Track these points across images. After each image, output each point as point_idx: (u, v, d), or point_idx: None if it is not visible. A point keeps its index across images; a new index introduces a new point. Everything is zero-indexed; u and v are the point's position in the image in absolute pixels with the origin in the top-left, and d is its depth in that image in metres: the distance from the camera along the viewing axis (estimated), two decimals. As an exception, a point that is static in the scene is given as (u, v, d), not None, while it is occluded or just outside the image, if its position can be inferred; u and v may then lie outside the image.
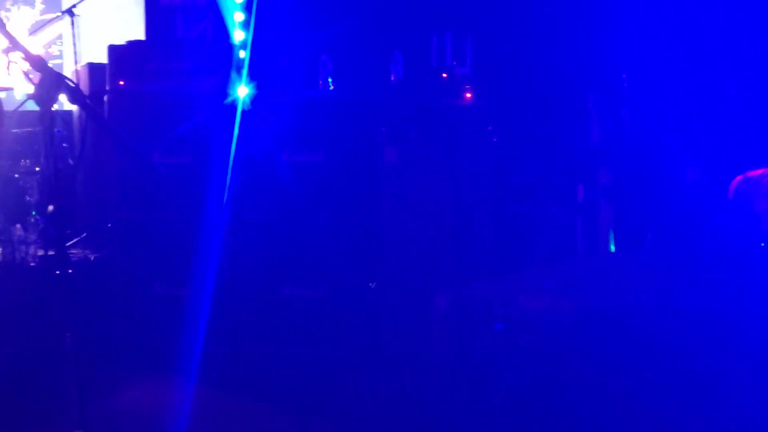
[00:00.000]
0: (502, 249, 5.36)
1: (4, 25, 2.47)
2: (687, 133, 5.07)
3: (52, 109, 2.61)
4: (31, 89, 5.41)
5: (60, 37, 6.77)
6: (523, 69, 5.97)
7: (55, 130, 2.52)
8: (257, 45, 5.96)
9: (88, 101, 2.57)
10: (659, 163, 4.80)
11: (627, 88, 4.25)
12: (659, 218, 4.43)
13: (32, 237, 5.47)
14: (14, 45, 2.46)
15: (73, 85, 2.51)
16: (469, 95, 5.43)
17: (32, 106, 5.50)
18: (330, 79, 5.79)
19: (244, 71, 5.81)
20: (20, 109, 5.66)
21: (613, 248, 4.21)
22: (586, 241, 5.30)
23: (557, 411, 1.68)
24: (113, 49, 5.62)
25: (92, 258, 5.61)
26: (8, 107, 5.76)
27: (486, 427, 1.92)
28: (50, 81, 2.44)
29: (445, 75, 5.59)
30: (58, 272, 2.57)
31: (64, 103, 6.27)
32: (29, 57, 2.45)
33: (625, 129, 4.31)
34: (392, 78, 5.64)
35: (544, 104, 5.89)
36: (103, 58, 5.78)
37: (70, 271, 2.59)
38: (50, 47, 6.88)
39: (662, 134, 5.34)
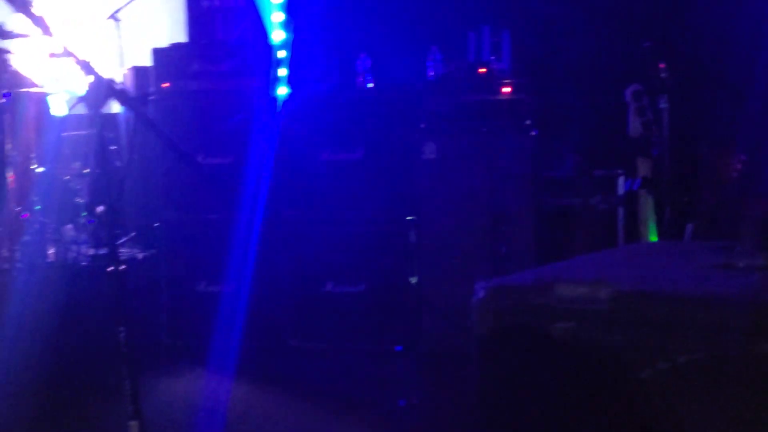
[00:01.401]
0: (542, 243, 5.36)
1: (50, 29, 2.55)
2: (730, 122, 5.02)
3: (101, 112, 2.69)
4: (77, 93, 5.57)
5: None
6: (561, 62, 5.95)
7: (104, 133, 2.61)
8: (296, 44, 6.04)
9: (135, 103, 2.64)
10: (701, 154, 4.75)
11: (667, 78, 4.20)
12: (701, 209, 4.40)
13: (83, 237, 5.60)
14: (63, 49, 2.54)
15: (120, 87, 2.59)
16: (507, 90, 5.43)
17: (81, 109, 5.66)
18: (368, 77, 5.84)
19: (284, 71, 5.89)
20: (69, 112, 5.80)
21: (654, 239, 4.19)
22: (628, 229, 5.28)
23: (590, 401, 1.70)
24: (157, 52, 5.74)
25: (140, 257, 5.73)
26: (58, 111, 5.91)
27: (534, 417, 1.94)
28: (99, 84, 2.52)
29: (483, 70, 5.59)
30: (110, 269, 2.64)
31: (112, 106, 6.41)
32: (78, 61, 2.54)
33: (665, 119, 4.27)
34: (430, 74, 5.67)
35: (582, 97, 5.87)
36: (146, 61, 5.91)
37: (123, 267, 2.66)
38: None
39: (704, 124, 5.29)
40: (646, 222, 4.33)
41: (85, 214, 5.62)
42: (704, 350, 1.46)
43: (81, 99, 5.42)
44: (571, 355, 1.57)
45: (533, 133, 5.37)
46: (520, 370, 1.63)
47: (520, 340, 1.63)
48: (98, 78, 2.51)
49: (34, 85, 5.58)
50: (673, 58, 4.16)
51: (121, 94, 2.57)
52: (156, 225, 5.80)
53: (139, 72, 6.24)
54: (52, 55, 5.56)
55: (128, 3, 6.17)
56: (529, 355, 1.62)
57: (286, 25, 6.32)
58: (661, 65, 4.11)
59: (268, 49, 5.90)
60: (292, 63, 6.00)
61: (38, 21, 2.49)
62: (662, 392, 1.51)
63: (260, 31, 6.37)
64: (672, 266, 1.84)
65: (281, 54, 5.95)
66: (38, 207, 5.25)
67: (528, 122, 5.37)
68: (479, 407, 1.68)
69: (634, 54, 4.74)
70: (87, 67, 2.53)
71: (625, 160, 5.14)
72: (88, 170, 5.64)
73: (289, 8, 6.25)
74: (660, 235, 4.20)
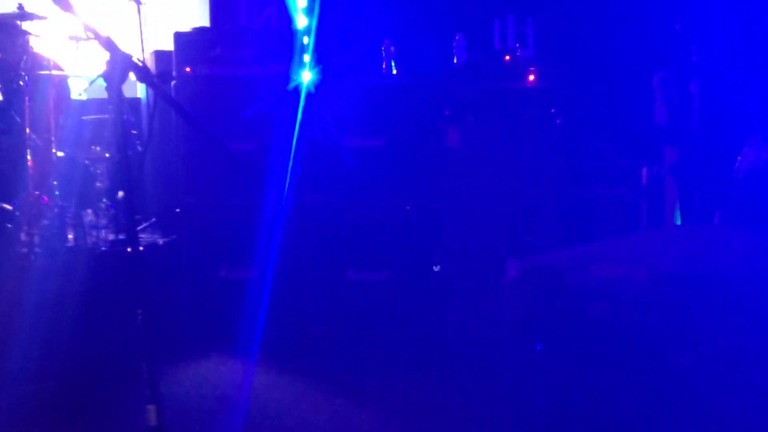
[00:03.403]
0: (567, 230, 5.29)
1: (71, 6, 2.49)
2: (761, 108, 4.90)
3: (121, 90, 2.64)
4: (96, 76, 5.55)
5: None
6: (586, 49, 5.87)
7: (124, 116, 2.55)
8: (321, 31, 5.98)
9: (155, 80, 2.59)
10: (730, 140, 4.65)
11: (697, 63, 4.10)
12: (729, 196, 4.30)
13: (103, 222, 5.58)
14: (83, 25, 2.49)
15: (140, 63, 2.54)
16: (532, 77, 5.36)
17: (100, 92, 5.62)
18: (393, 63, 5.78)
19: (308, 57, 5.84)
20: (89, 95, 5.78)
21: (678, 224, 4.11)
22: (652, 218, 5.19)
23: (631, 381, 1.63)
24: (179, 36, 5.70)
25: (161, 242, 5.71)
26: (78, 94, 5.90)
27: (562, 397, 1.87)
28: (118, 59, 2.47)
29: (507, 57, 5.53)
30: (129, 249, 2.59)
31: (135, 90, 6.40)
32: (98, 37, 2.48)
33: (694, 106, 4.17)
34: (455, 61, 5.61)
35: (608, 85, 5.79)
36: (168, 45, 5.88)
37: (141, 248, 2.60)
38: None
39: (734, 110, 5.17)
40: (672, 209, 4.25)
41: (105, 199, 5.60)
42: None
43: (100, 75, 5.39)
44: (608, 335, 1.51)
45: (558, 122, 5.30)
46: (554, 350, 1.57)
47: (555, 319, 1.56)
48: (118, 53, 2.45)
49: (55, 67, 5.56)
50: (704, 41, 4.05)
51: (140, 70, 2.51)
52: (177, 210, 5.77)
53: (160, 56, 6.20)
54: (72, 37, 5.55)
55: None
56: (564, 336, 1.56)
57: (310, 11, 6.27)
58: (693, 48, 4.01)
59: (292, 35, 5.85)
60: (316, 49, 5.95)
61: (62, 0, 2.43)
62: (701, 376, 1.44)
63: (284, 16, 6.32)
64: (709, 248, 1.77)
65: (305, 40, 5.90)
66: (58, 192, 5.23)
67: (553, 110, 5.30)
68: (511, 385, 1.62)
69: (662, 39, 4.64)
70: (107, 44, 2.47)
71: (651, 148, 5.06)
72: (108, 155, 5.61)
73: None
74: (687, 220, 4.12)
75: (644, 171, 5.44)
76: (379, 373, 4.82)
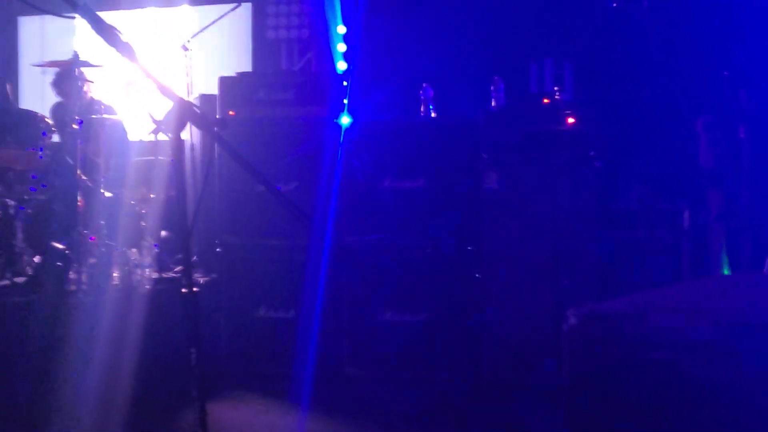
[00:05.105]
0: (605, 275, 5.26)
1: (135, 55, 2.58)
2: None
3: (180, 137, 2.72)
4: (153, 119, 5.68)
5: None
6: (626, 92, 5.88)
7: (170, 158, 2.63)
8: (360, 74, 6.08)
9: (214, 127, 2.67)
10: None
11: (746, 108, 4.07)
12: None
13: (147, 261, 5.66)
14: (146, 74, 2.57)
15: (199, 112, 2.62)
16: (571, 120, 5.38)
17: (151, 135, 5.76)
18: (431, 107, 5.85)
19: (347, 100, 5.93)
20: (142, 138, 5.93)
21: (727, 272, 4.06)
22: (695, 265, 5.15)
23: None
24: (223, 81, 5.84)
25: (201, 281, 5.78)
26: (129, 137, 6.04)
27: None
28: (178, 108, 2.55)
29: (546, 100, 5.56)
30: (184, 291, 2.65)
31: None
32: (160, 86, 2.56)
33: (743, 150, 4.14)
34: (493, 104, 5.66)
35: (649, 128, 5.78)
36: (213, 89, 6.02)
37: (196, 289, 2.67)
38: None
39: None
40: (719, 255, 4.22)
41: (150, 239, 5.69)
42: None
43: (160, 123, 5.53)
44: (668, 387, 1.52)
45: (597, 165, 5.30)
46: (615, 398, 1.58)
47: (615, 368, 1.58)
48: (178, 102, 2.54)
49: (109, 111, 5.72)
50: (754, 87, 4.04)
51: (199, 118, 2.59)
52: (218, 250, 5.85)
53: (205, 99, 6.34)
54: (129, 83, 5.70)
55: (197, 33, 6.32)
56: (624, 384, 1.57)
57: (349, 56, 6.38)
58: (741, 93, 4.00)
59: (332, 78, 5.95)
60: (356, 92, 6.05)
61: (125, 49, 2.52)
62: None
63: (324, 60, 6.44)
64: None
65: (344, 83, 5.99)
66: (105, 231, 5.33)
67: (592, 153, 5.31)
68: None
69: (706, 83, 4.63)
70: (167, 92, 2.56)
71: (692, 192, 5.03)
72: (153, 195, 5.72)
73: (353, 39, 6.31)
74: (735, 267, 4.08)
75: (687, 212, 5.41)
76: (417, 416, 4.81)
